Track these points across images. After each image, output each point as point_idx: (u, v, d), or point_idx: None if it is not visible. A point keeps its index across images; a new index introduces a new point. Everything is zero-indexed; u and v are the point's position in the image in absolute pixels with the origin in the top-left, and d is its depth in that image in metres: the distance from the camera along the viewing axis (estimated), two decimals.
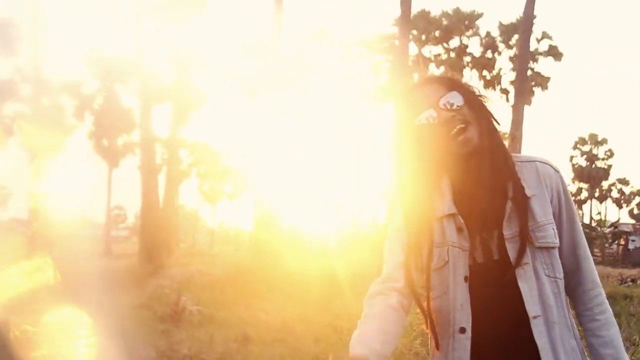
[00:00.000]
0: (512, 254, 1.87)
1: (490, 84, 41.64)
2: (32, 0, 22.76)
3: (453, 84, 1.96)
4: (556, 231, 1.92)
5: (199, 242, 72.16)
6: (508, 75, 41.15)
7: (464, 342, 1.90)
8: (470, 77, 42.59)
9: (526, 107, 30.51)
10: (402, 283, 1.99)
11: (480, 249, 1.92)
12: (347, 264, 17.43)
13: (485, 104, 1.98)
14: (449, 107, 1.90)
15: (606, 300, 1.99)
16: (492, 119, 1.97)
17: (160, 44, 36.08)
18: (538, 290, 1.86)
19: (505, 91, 40.82)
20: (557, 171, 1.99)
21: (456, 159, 1.92)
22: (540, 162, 1.99)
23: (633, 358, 6.60)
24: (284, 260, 20.15)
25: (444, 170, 1.98)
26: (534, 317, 1.85)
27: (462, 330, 1.90)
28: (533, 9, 18.42)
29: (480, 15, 42.62)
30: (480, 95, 1.98)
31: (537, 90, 39.50)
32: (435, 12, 42.86)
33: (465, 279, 1.91)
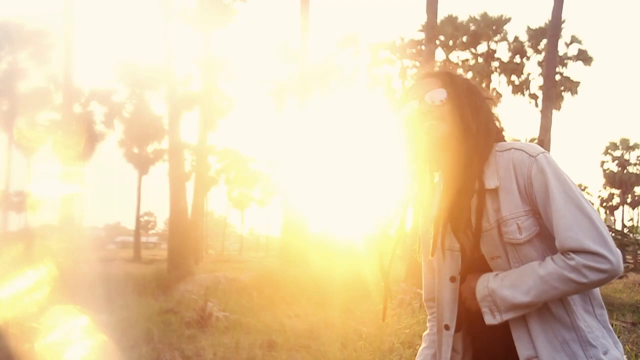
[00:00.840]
0: (484, 247, 1.93)
1: (519, 89, 41.32)
2: (65, 10, 23.12)
3: (449, 80, 2.04)
4: (522, 225, 1.85)
5: (228, 248, 72.57)
6: (537, 80, 40.81)
7: (448, 339, 2.05)
8: (499, 83, 42.37)
9: (556, 112, 30.26)
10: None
11: (472, 245, 1.95)
12: (375, 268, 17.39)
13: (479, 104, 2.02)
14: (430, 102, 1.99)
15: (580, 273, 1.76)
16: (479, 118, 1.98)
17: (189, 51, 36.49)
18: None
19: (534, 96, 40.48)
20: (532, 155, 1.88)
21: (431, 154, 2.00)
22: (516, 149, 1.92)
23: None
24: (311, 265, 20.21)
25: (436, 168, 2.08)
26: None
27: (447, 327, 2.05)
28: (561, 12, 18.25)
29: (508, 20, 42.31)
30: (476, 94, 2.04)
31: (566, 95, 39.07)
32: (462, 18, 42.73)
33: (452, 279, 2.02)
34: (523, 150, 1.90)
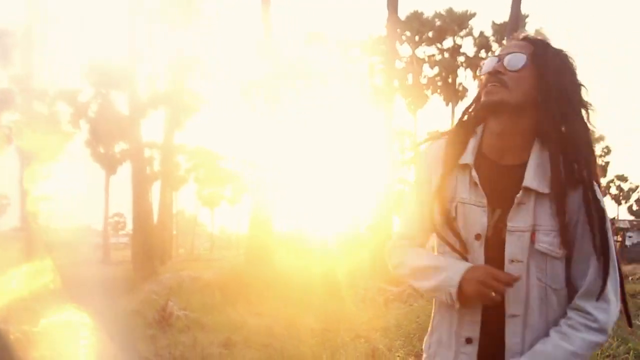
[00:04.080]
0: (508, 248, 1.73)
1: None
2: (27, 9, 22.88)
3: (539, 50, 1.80)
4: (559, 240, 1.71)
5: (199, 247, 72.17)
6: None
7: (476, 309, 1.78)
8: (465, 77, 42.76)
9: None
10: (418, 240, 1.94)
11: (497, 216, 1.77)
12: (344, 266, 17.49)
13: (569, 98, 1.79)
14: (504, 65, 1.77)
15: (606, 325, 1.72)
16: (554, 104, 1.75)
17: (154, 49, 36.24)
18: (525, 290, 1.72)
19: None
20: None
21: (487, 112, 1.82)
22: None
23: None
24: (278, 263, 20.20)
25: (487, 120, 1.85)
26: (512, 316, 1.74)
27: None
28: (519, 7, 18.42)
29: (473, 15, 42.73)
30: (564, 81, 1.79)
31: None
32: (428, 13, 43.07)
33: (477, 237, 1.77)
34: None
